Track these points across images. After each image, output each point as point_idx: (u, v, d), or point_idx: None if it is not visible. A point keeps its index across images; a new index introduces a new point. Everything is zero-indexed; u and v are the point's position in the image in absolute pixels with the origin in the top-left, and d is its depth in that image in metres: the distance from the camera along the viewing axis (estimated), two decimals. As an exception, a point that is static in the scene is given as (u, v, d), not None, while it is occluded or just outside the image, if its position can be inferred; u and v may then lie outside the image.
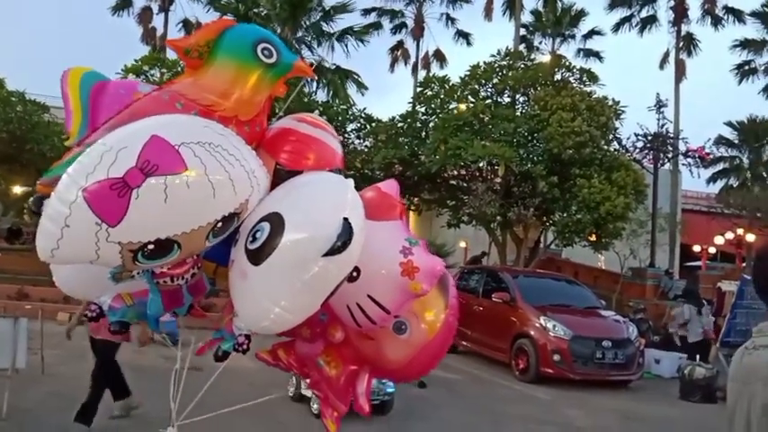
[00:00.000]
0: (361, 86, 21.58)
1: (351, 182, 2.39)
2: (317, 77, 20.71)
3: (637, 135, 19.04)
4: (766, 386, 1.70)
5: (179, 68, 14.13)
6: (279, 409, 7.24)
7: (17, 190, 16.63)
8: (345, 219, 2.18)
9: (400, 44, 28.47)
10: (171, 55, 18.00)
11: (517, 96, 17.15)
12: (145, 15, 26.05)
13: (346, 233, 2.14)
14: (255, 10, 19.38)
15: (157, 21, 26.24)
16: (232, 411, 2.87)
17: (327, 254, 2.11)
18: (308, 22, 20.91)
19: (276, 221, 2.12)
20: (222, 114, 2.23)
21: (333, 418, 2.67)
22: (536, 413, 8.51)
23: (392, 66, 28.63)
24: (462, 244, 21.16)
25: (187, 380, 3.09)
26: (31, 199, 2.12)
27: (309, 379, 2.81)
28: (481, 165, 16.03)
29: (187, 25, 26.34)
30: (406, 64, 28.46)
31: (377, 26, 26.44)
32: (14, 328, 6.27)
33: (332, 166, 2.62)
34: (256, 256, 2.08)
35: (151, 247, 1.99)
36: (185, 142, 1.94)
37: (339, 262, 2.15)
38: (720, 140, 30.11)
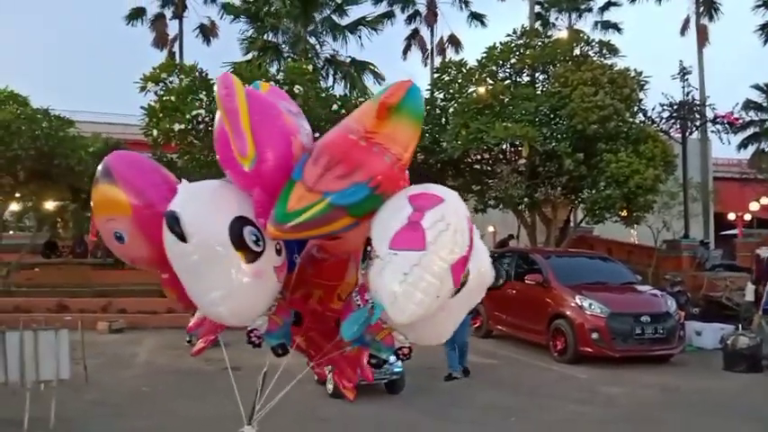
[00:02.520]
0: (378, 77, 21.47)
1: None
2: (333, 71, 20.66)
3: (662, 105, 18.56)
4: None
5: (197, 74, 14.16)
6: (319, 405, 7.29)
7: (49, 205, 16.91)
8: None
9: (416, 32, 28.29)
10: (188, 60, 18.16)
11: (536, 75, 16.85)
12: (159, 23, 26.26)
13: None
14: (266, 9, 19.34)
15: (171, 27, 26.42)
16: (273, 411, 3.04)
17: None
18: (319, 17, 20.83)
19: None
20: (402, 164, 2.55)
21: (350, 388, 3.06)
22: (576, 393, 8.42)
23: (405, 53, 28.56)
24: (490, 228, 20.99)
25: (226, 380, 3.15)
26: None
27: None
28: (504, 147, 15.84)
29: (204, 30, 26.49)
30: (422, 51, 28.30)
31: (389, 15, 26.24)
32: (56, 340, 6.40)
33: None
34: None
35: None
36: None
37: None
38: (748, 104, 29.29)
